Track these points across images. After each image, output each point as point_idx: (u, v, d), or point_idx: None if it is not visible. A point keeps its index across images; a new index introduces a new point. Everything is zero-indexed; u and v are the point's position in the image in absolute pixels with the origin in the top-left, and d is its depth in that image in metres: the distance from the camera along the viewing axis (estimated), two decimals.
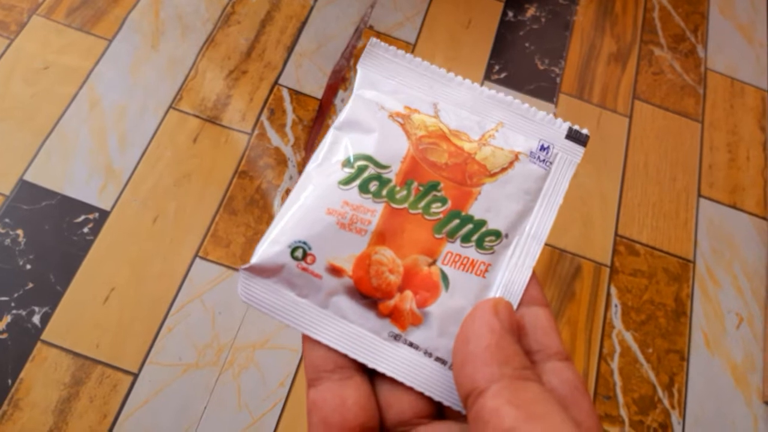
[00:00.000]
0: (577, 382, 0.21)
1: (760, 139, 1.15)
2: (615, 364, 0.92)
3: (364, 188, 0.23)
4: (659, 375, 0.93)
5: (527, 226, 0.24)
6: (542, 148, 0.25)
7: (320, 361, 0.22)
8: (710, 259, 1.02)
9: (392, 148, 0.24)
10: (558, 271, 0.97)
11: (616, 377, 0.91)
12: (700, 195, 1.07)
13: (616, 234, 1.02)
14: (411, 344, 0.22)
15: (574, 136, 0.25)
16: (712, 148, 1.12)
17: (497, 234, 0.23)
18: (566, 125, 0.25)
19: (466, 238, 0.23)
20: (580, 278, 0.97)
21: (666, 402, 0.91)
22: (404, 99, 0.25)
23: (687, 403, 0.91)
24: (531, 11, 1.20)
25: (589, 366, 0.92)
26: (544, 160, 0.25)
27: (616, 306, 0.96)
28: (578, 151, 0.25)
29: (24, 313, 0.83)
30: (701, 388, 0.93)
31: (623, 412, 0.89)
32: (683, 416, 0.90)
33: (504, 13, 1.19)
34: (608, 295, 0.97)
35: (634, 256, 1.00)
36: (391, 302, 0.22)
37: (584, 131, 0.26)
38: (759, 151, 1.13)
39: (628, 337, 0.94)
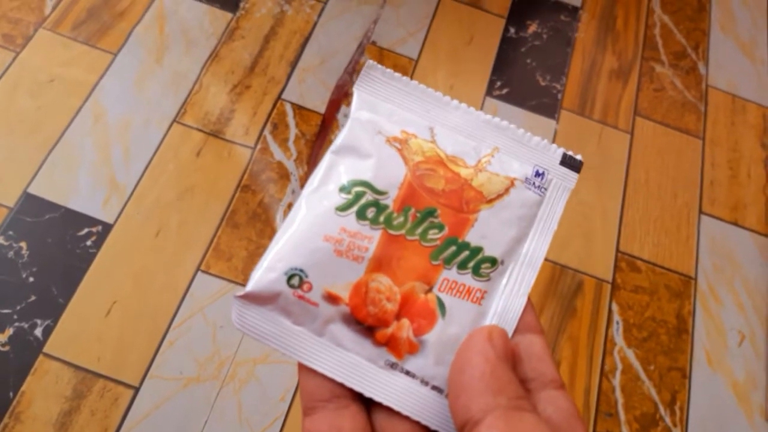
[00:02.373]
0: (572, 410, 0.21)
1: (761, 156, 1.15)
2: (617, 381, 0.92)
3: (361, 214, 0.23)
4: (661, 392, 0.92)
5: (522, 253, 0.24)
6: (537, 174, 0.25)
7: (316, 390, 0.22)
8: (712, 276, 1.02)
9: (390, 174, 0.24)
10: (559, 287, 0.97)
11: (618, 394, 0.91)
12: (701, 212, 1.07)
13: (617, 250, 1.02)
14: (407, 373, 0.22)
15: (568, 162, 0.26)
16: (714, 165, 1.12)
17: (493, 261, 0.23)
18: (560, 151, 0.26)
19: (462, 265, 0.23)
20: (581, 294, 0.97)
21: (668, 420, 0.91)
22: (401, 123, 0.25)
23: (689, 420, 0.91)
24: (533, 28, 1.21)
25: (590, 383, 0.91)
26: (539, 186, 0.25)
27: (617, 323, 0.96)
28: (572, 177, 0.26)
29: (26, 325, 0.83)
30: (703, 405, 0.92)
31: (625, 430, 0.89)
32: None
33: (506, 30, 1.19)
34: (610, 311, 0.97)
35: (635, 273, 1.00)
36: (388, 330, 0.22)
37: (578, 157, 0.26)
38: (760, 168, 1.13)
39: (630, 354, 0.94)
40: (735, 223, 1.07)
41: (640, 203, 1.06)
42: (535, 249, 0.24)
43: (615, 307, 0.97)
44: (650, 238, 1.04)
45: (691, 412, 0.92)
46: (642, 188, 1.08)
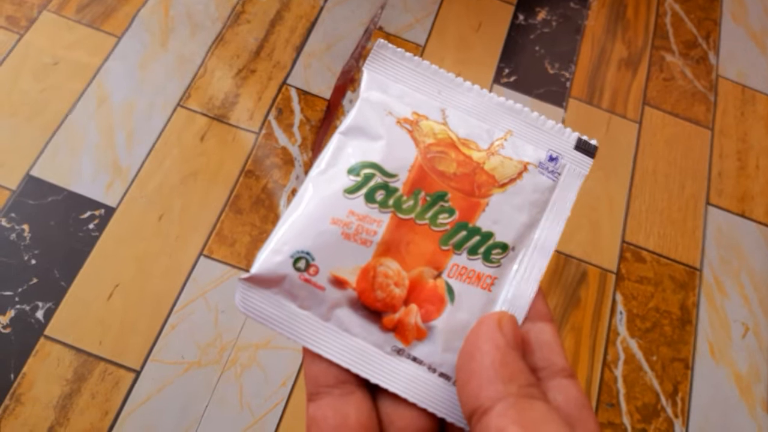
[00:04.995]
0: (583, 400, 0.20)
1: None
2: (619, 372, 0.92)
3: (370, 198, 0.22)
4: (663, 383, 0.92)
5: (534, 239, 0.24)
6: (551, 159, 0.24)
7: (321, 375, 0.21)
8: (717, 268, 1.01)
9: (400, 157, 0.23)
10: (564, 276, 0.96)
11: (620, 385, 0.91)
12: (708, 203, 1.07)
13: (623, 240, 1.01)
14: (415, 359, 0.22)
15: (582, 147, 0.25)
16: (722, 156, 1.11)
17: (504, 247, 0.23)
18: (575, 135, 0.25)
19: (472, 251, 0.23)
20: (585, 284, 0.97)
21: (669, 410, 0.90)
22: (412, 104, 0.24)
23: (691, 412, 0.91)
24: (542, 15, 1.19)
25: (592, 373, 0.91)
26: (552, 171, 0.24)
27: (621, 313, 0.96)
28: (586, 162, 0.25)
29: (28, 308, 0.83)
30: (705, 397, 0.92)
31: (626, 420, 0.89)
32: (687, 425, 0.90)
33: (515, 17, 1.18)
34: (614, 301, 0.96)
35: (640, 263, 1.00)
36: (396, 316, 0.22)
37: (593, 142, 0.25)
38: None
39: (633, 344, 0.94)
40: (742, 215, 1.06)
41: (646, 193, 1.06)
42: (547, 235, 0.24)
43: (619, 298, 0.97)
44: (656, 229, 1.03)
45: (692, 403, 0.91)
46: (649, 178, 1.07)
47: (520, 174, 0.24)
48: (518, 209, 0.23)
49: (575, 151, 0.25)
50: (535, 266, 0.23)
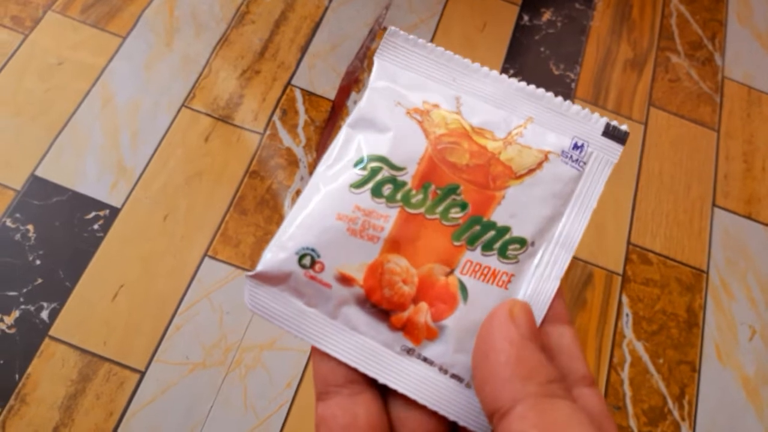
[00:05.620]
0: (604, 410, 0.19)
1: None
2: (625, 374, 0.91)
3: (377, 192, 0.22)
4: (670, 386, 0.91)
5: (556, 233, 0.22)
6: (576, 147, 0.23)
7: (330, 375, 0.21)
8: (724, 270, 1.01)
9: (408, 149, 0.22)
10: (569, 278, 0.96)
11: (626, 387, 0.90)
12: (714, 205, 1.06)
13: (628, 242, 1.00)
14: (425, 359, 0.21)
15: (611, 132, 0.23)
16: (728, 158, 1.11)
17: (522, 242, 0.22)
18: (603, 121, 0.23)
19: (487, 246, 0.22)
20: (591, 286, 0.96)
21: (676, 413, 0.90)
22: (423, 93, 0.23)
23: (697, 415, 0.90)
24: (547, 15, 1.19)
25: (599, 375, 0.90)
26: (577, 160, 0.23)
27: (627, 315, 0.95)
28: (616, 149, 0.23)
29: (32, 308, 0.83)
30: (712, 400, 0.91)
31: (633, 423, 0.88)
32: (693, 428, 0.89)
33: (519, 17, 1.18)
34: (620, 304, 0.96)
35: (646, 265, 0.99)
36: (405, 314, 0.21)
37: (623, 127, 0.23)
38: None
39: (639, 347, 0.93)
40: (749, 217, 1.06)
41: (652, 195, 1.05)
42: (571, 229, 0.23)
43: (625, 300, 0.96)
44: (662, 231, 1.02)
45: (699, 406, 0.91)
46: (655, 180, 1.06)
47: (539, 164, 0.22)
48: (538, 201, 0.22)
49: (603, 138, 0.23)
50: (556, 262, 0.22)
